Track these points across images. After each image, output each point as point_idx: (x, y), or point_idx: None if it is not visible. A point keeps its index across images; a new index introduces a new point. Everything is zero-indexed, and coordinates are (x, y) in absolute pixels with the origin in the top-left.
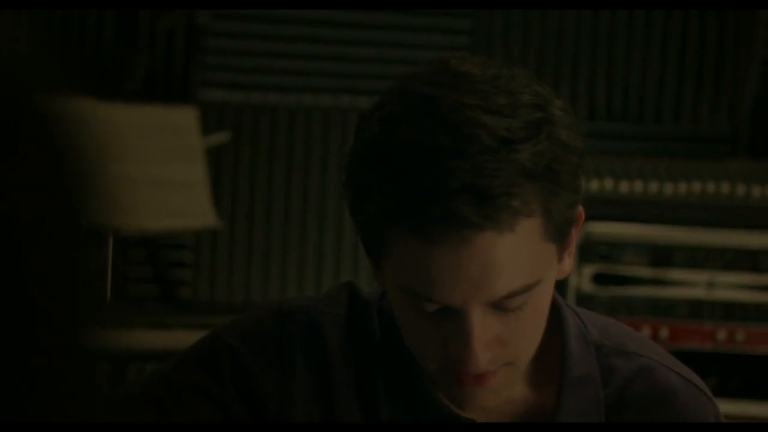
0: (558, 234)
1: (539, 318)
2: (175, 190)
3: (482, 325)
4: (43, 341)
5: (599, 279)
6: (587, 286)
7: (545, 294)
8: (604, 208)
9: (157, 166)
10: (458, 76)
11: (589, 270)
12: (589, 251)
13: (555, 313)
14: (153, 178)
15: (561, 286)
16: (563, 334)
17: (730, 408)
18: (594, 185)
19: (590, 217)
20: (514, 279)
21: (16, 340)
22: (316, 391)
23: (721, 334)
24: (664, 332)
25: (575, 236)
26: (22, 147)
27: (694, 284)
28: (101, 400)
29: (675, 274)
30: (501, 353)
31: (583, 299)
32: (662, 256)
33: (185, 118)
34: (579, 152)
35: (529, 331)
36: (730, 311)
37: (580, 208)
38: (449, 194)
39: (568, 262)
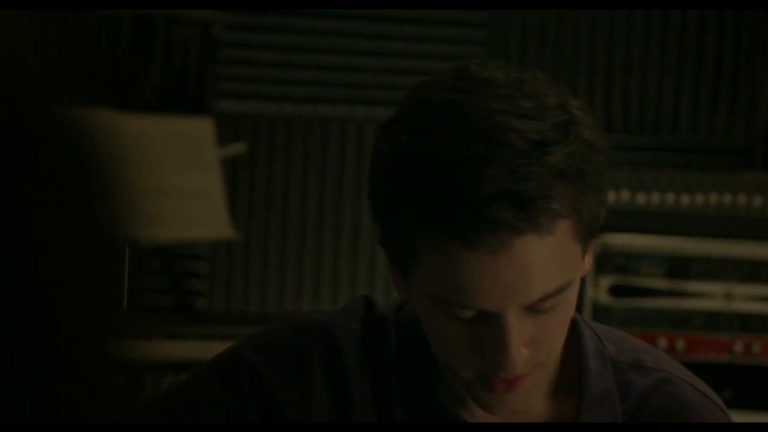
0: (587, 233)
1: (568, 317)
2: (191, 200)
3: (519, 329)
4: (60, 352)
5: (616, 291)
6: (604, 298)
7: (574, 293)
8: (620, 219)
9: (173, 177)
10: (481, 81)
11: (605, 282)
12: (605, 263)
13: (572, 330)
14: (169, 189)
15: (577, 297)
16: (581, 351)
17: (746, 419)
18: (611, 197)
19: (607, 228)
20: (550, 281)
21: (34, 351)
22: (333, 405)
23: (738, 346)
24: (680, 344)
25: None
26: (40, 158)
27: (710, 296)
28: (118, 411)
29: (692, 285)
30: (535, 355)
31: (600, 311)
32: (679, 267)
33: (201, 128)
34: (603, 150)
35: (559, 330)
36: (746, 323)
37: None
38: (487, 200)
39: (588, 260)
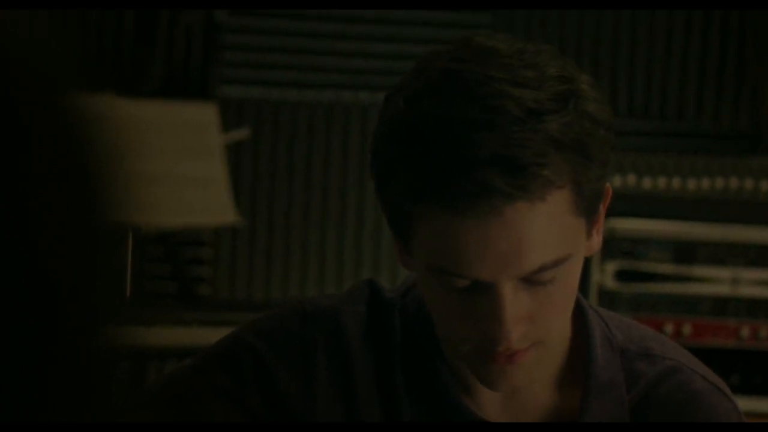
0: (588, 208)
1: (568, 295)
2: (195, 186)
3: (514, 300)
4: (63, 340)
5: (622, 276)
6: (610, 283)
7: (575, 270)
8: (627, 204)
9: (177, 163)
10: (483, 51)
11: (612, 267)
12: (612, 248)
13: (580, 317)
14: (172, 175)
15: (583, 281)
16: (588, 339)
17: (753, 405)
18: (617, 182)
19: (613, 213)
20: (546, 252)
21: (36, 339)
22: (338, 392)
23: (745, 331)
24: (687, 329)
25: (603, 213)
26: (42, 144)
27: (717, 281)
28: (121, 399)
29: (698, 270)
30: (531, 330)
31: (606, 296)
32: (686, 252)
33: (205, 114)
34: (607, 125)
35: (558, 308)
36: (753, 308)
37: (608, 184)
38: (478, 165)
39: (597, 239)
